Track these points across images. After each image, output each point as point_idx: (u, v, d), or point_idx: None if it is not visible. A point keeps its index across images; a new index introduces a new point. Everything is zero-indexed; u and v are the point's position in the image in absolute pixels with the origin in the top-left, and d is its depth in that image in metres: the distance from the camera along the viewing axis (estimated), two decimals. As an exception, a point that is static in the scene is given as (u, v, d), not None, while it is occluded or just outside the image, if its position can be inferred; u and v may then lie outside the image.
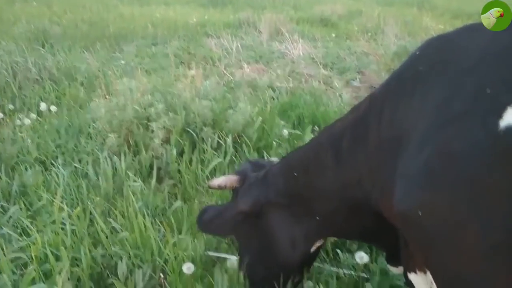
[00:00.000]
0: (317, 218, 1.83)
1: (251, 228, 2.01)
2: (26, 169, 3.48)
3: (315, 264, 2.49)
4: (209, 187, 2.09)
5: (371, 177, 1.53)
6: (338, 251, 2.60)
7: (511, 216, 1.06)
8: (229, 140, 3.75)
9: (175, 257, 2.38)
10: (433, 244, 1.24)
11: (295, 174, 1.83)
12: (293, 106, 4.84)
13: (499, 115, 1.08)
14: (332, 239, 1.97)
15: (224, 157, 3.63)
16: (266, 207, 1.94)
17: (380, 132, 1.47)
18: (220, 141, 3.80)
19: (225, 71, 6.64)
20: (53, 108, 4.58)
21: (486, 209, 1.10)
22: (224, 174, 3.38)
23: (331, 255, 2.62)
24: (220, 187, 2.06)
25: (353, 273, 2.42)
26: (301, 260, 1.98)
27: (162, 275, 2.38)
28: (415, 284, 1.61)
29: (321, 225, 1.85)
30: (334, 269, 2.46)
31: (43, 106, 4.63)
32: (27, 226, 2.67)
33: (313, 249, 1.97)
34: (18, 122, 4.34)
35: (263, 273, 2.08)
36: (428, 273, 1.38)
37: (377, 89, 1.60)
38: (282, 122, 4.34)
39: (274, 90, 5.58)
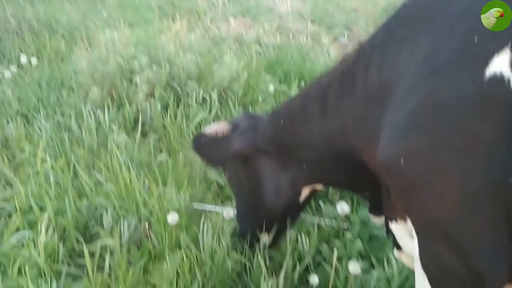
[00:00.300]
0: (303, 166, 1.87)
1: (240, 170, 2.07)
2: (7, 122, 3.43)
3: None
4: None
5: (356, 128, 1.54)
6: (320, 202, 2.65)
7: (491, 164, 1.10)
8: (214, 95, 3.72)
9: (160, 208, 2.41)
10: (414, 191, 1.27)
11: (283, 123, 1.86)
12: (280, 62, 4.79)
13: (486, 63, 1.09)
14: (320, 188, 2.03)
15: (209, 112, 3.61)
16: (254, 153, 1.99)
17: (367, 83, 1.48)
18: (205, 96, 3.76)
19: (210, 25, 6.47)
20: (34, 60, 4.46)
21: (468, 157, 1.12)
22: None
23: (313, 206, 2.67)
24: (211, 134, 2.07)
25: (334, 223, 2.48)
26: (287, 207, 2.03)
27: (147, 225, 2.41)
28: (395, 233, 1.67)
29: (307, 173, 1.89)
30: (315, 219, 2.52)
31: (23, 58, 4.50)
32: (10, 177, 2.66)
33: (301, 199, 2.03)
34: (-2, 74, 4.23)
35: (250, 217, 2.16)
36: (408, 221, 1.42)
37: (366, 40, 1.59)
38: (269, 78, 4.30)
39: (260, 46, 5.49)
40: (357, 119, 1.53)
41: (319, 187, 2.02)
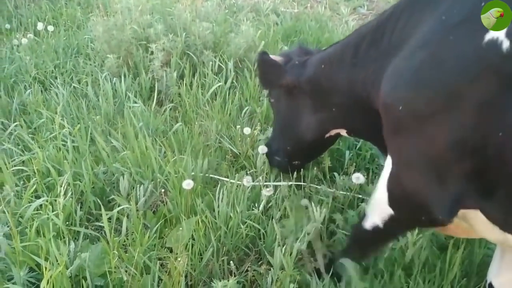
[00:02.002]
0: (333, 109, 2.04)
1: (282, 99, 2.32)
2: (25, 88, 3.45)
3: (312, 184, 2.55)
4: None
5: (373, 78, 1.66)
6: (335, 174, 2.64)
7: (482, 120, 1.22)
8: (230, 64, 3.68)
9: (176, 174, 2.42)
10: (407, 131, 1.44)
11: (323, 66, 2.01)
12: (297, 32, 4.71)
13: (487, 29, 1.20)
14: (344, 133, 2.20)
15: (225, 82, 3.58)
16: (297, 89, 2.17)
17: (391, 39, 1.60)
18: (221, 65, 3.73)
19: (227, -6, 6.35)
20: (50, 28, 4.43)
21: (460, 112, 1.25)
22: (224, 98, 3.37)
23: (328, 177, 2.66)
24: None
25: (349, 194, 2.47)
26: (313, 141, 2.25)
27: (163, 191, 2.43)
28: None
29: (335, 117, 2.07)
30: (330, 190, 2.51)
31: (40, 25, 4.48)
32: (28, 141, 2.69)
33: (327, 135, 2.22)
34: (15, 41, 4.23)
35: (281, 139, 2.45)
36: None
37: None
38: (286, 48, 4.23)
39: (278, 15, 5.39)
40: (375, 71, 1.65)
41: (343, 132, 2.18)
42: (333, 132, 2.19)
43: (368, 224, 1.80)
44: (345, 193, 2.51)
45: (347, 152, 2.81)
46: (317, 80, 2.05)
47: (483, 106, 1.21)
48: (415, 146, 1.42)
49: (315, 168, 2.67)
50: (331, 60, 1.97)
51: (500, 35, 1.18)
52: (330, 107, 2.04)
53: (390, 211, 1.64)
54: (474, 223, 1.48)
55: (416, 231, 2.13)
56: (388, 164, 1.59)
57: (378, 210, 1.72)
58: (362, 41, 1.78)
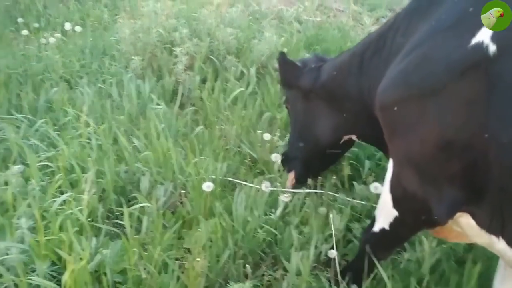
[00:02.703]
0: (344, 114, 2.12)
1: (298, 102, 2.39)
2: (51, 86, 3.54)
3: (330, 192, 2.55)
4: None
5: (376, 84, 1.70)
6: (354, 183, 2.64)
7: (468, 120, 1.27)
8: (252, 70, 3.72)
9: (196, 176, 2.46)
10: (401, 133, 1.50)
11: (334, 73, 2.11)
12: (320, 40, 4.72)
13: (473, 34, 1.26)
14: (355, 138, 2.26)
15: (247, 87, 3.62)
16: (312, 93, 2.26)
17: (392, 47, 1.67)
18: (244, 70, 3.77)
19: (251, 0, 6.41)
20: (78, 28, 4.54)
21: (448, 111, 1.31)
22: (245, 104, 3.41)
23: (346, 186, 2.67)
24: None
25: (366, 203, 2.47)
26: (328, 144, 2.32)
27: (183, 192, 2.47)
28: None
29: (347, 122, 2.15)
30: (348, 198, 2.52)
31: (67, 26, 4.60)
32: (54, 137, 2.76)
33: (342, 141, 2.27)
34: (43, 40, 4.34)
35: (298, 143, 2.48)
36: None
37: (404, 8, 1.74)
38: (308, 55, 4.25)
39: (301, 23, 5.42)
40: (378, 78, 1.70)
41: (354, 137, 2.24)
42: (347, 137, 2.25)
43: (376, 227, 1.84)
44: (363, 202, 2.51)
45: (367, 162, 2.81)
46: (329, 86, 2.15)
47: (468, 106, 1.26)
48: (412, 145, 1.47)
49: (334, 177, 2.68)
50: (341, 68, 2.06)
51: (485, 39, 1.23)
52: (342, 112, 2.12)
53: (394, 213, 1.69)
54: (465, 227, 1.51)
55: (434, 243, 2.12)
56: (390, 166, 1.64)
57: (384, 213, 1.76)
58: (366, 50, 1.87)
